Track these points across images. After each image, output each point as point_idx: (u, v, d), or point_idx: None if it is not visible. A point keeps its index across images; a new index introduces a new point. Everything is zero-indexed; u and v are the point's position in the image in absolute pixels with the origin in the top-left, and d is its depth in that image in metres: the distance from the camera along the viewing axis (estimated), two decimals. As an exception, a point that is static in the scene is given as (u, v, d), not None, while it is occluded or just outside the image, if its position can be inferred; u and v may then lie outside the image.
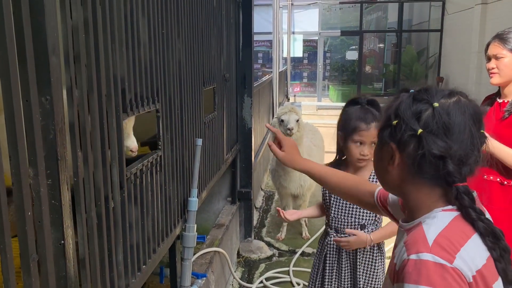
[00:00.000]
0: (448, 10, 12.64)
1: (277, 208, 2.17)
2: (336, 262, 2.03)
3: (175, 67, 1.99)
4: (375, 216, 1.98)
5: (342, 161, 2.04)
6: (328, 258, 2.05)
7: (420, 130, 0.91)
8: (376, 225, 2.01)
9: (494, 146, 2.00)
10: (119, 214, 1.41)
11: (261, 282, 3.53)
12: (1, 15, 0.86)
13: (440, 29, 13.06)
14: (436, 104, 0.91)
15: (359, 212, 1.98)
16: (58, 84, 1.01)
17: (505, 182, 2.13)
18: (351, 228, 1.97)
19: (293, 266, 3.73)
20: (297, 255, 3.94)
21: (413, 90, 0.98)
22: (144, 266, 1.66)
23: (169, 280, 2.27)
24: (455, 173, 0.90)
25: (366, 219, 1.98)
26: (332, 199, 2.03)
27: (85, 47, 1.18)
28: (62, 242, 1.06)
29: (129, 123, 1.66)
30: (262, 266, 3.85)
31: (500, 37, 2.15)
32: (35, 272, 0.97)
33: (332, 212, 2.02)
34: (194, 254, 2.70)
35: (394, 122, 0.96)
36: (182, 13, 2.08)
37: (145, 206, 1.67)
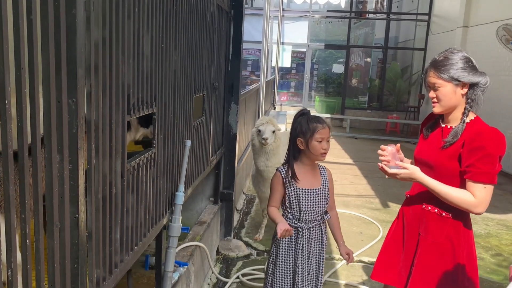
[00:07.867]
0: (432, 31, 13.15)
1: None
2: (306, 245, 2.44)
3: (171, 76, 2.26)
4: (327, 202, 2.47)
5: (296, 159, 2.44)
6: (300, 245, 2.44)
7: None
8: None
9: (429, 183, 1.98)
10: (120, 199, 1.67)
11: (238, 277, 3.76)
12: (47, 34, 1.12)
13: (424, 48, 13.57)
14: None
15: (323, 202, 2.42)
16: (82, 89, 1.28)
17: (443, 214, 2.05)
18: (319, 216, 2.41)
19: (268, 264, 3.98)
20: (273, 254, 4.19)
21: None
22: (136, 246, 1.91)
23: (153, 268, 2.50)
24: None
25: (325, 206, 2.44)
26: (304, 197, 2.37)
27: (102, 60, 1.44)
28: (77, 216, 1.32)
29: None
30: (240, 263, 4.08)
31: (435, 66, 2.04)
32: (56, 236, 1.23)
33: (304, 207, 2.38)
34: (177, 246, 2.95)
35: None
36: (180, 29, 2.36)
37: (140, 195, 1.93)
